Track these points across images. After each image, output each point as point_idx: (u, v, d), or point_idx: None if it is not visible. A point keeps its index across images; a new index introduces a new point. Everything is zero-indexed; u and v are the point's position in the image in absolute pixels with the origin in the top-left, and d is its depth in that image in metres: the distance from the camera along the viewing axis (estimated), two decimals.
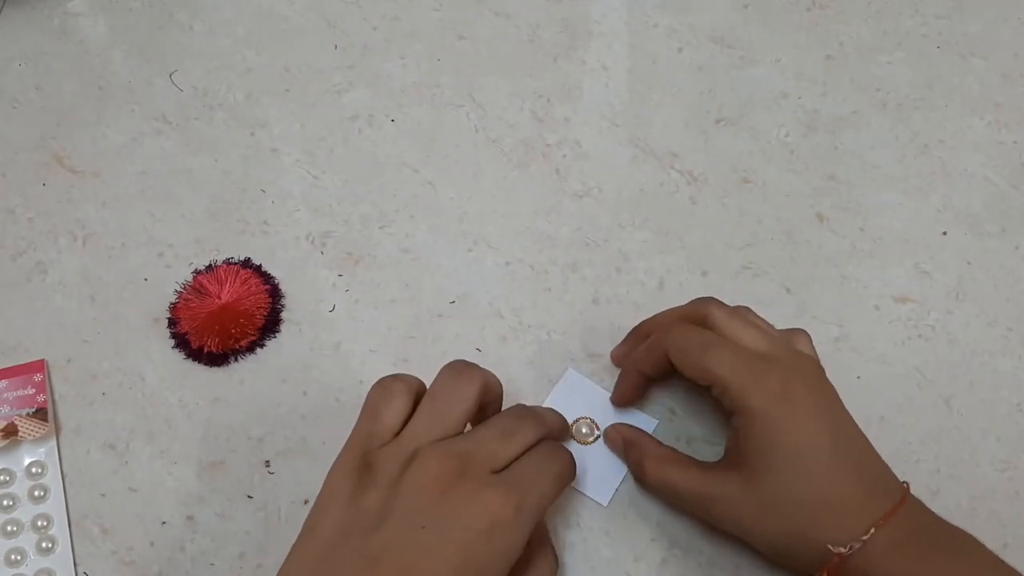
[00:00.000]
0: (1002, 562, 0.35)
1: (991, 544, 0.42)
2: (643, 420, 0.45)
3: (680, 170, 0.53)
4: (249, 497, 0.44)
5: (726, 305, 0.41)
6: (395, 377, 0.38)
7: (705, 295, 0.43)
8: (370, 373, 0.47)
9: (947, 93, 0.55)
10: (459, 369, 0.38)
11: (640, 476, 0.42)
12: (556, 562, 0.38)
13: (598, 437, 0.44)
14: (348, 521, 0.34)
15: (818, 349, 0.47)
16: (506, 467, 0.36)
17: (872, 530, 0.34)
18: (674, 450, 0.42)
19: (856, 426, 0.38)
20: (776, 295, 0.48)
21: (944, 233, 0.50)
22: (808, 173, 0.52)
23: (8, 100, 0.57)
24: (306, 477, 0.45)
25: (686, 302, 0.43)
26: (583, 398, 0.45)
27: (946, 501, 0.43)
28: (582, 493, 0.43)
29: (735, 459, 0.38)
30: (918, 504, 0.37)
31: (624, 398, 0.45)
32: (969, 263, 0.49)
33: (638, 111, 0.55)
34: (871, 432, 0.44)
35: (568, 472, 0.38)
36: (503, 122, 0.55)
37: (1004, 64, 0.55)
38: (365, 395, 0.46)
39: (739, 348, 0.39)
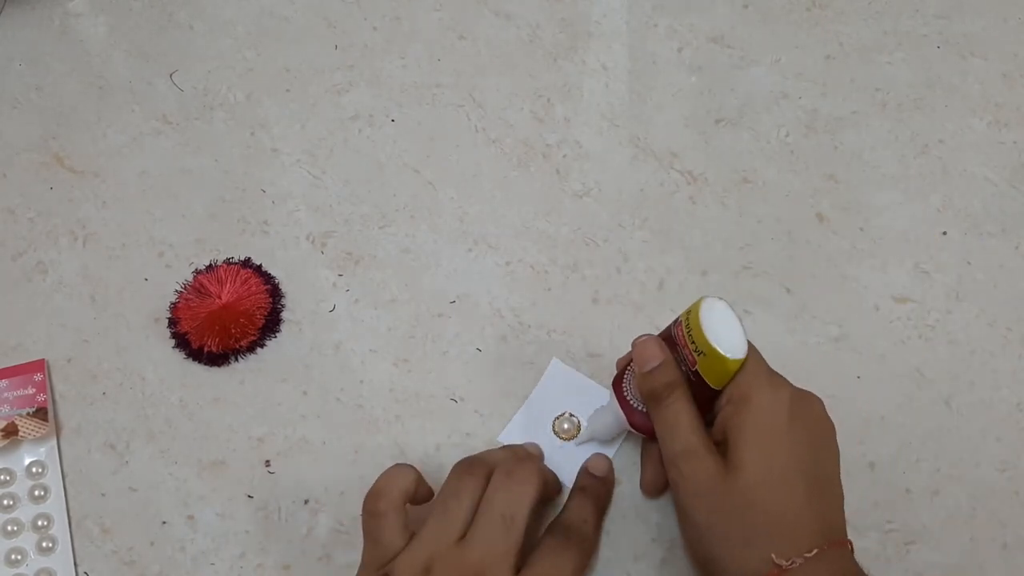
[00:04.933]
0: None
1: (991, 544, 0.42)
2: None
3: (680, 170, 0.53)
4: (249, 497, 0.44)
5: None
6: (377, 496, 0.38)
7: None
8: (370, 373, 0.47)
9: (947, 93, 0.55)
10: (467, 467, 0.39)
11: (659, 401, 0.39)
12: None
13: (578, 433, 0.44)
14: None
15: (818, 349, 0.47)
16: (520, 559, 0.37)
17: (815, 551, 0.35)
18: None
19: (837, 463, 0.38)
20: (776, 295, 0.48)
21: (944, 233, 0.50)
22: (808, 173, 0.52)
23: (8, 100, 0.57)
24: (306, 477, 0.45)
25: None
26: (568, 389, 0.45)
27: (946, 501, 0.43)
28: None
29: (719, 442, 0.39)
30: (854, 561, 0.37)
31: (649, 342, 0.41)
32: (969, 263, 0.49)
33: (638, 111, 0.55)
34: (871, 432, 0.45)
35: (583, 566, 0.39)
36: (503, 122, 0.55)
37: (1004, 64, 0.55)
38: (365, 395, 0.46)
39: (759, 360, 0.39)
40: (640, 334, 0.40)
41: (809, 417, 0.38)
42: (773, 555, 0.35)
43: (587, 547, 0.40)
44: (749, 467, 0.36)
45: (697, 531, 0.37)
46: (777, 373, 0.39)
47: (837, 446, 0.38)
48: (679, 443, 0.38)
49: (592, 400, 0.44)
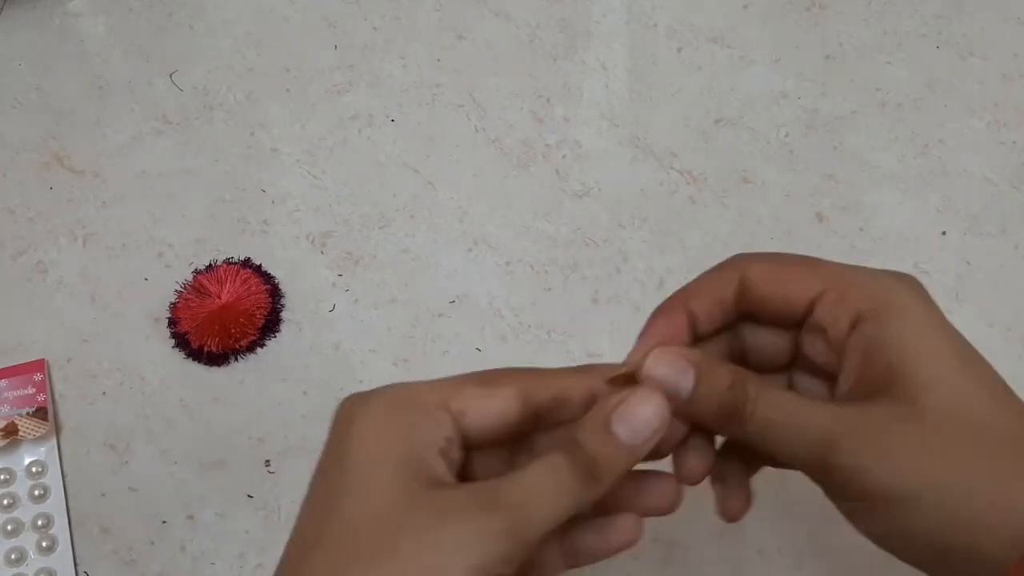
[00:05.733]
0: None
1: None
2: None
3: (680, 170, 0.53)
4: (249, 497, 0.44)
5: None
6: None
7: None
8: (370, 373, 0.47)
9: (947, 93, 0.55)
10: None
11: (735, 419, 0.26)
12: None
13: None
14: None
15: None
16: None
17: None
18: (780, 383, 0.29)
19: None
20: None
21: (944, 233, 0.50)
22: (808, 173, 0.52)
23: (8, 100, 0.57)
24: (306, 477, 0.44)
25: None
26: None
27: None
28: None
29: (866, 389, 0.26)
30: None
31: (658, 341, 0.27)
32: (969, 263, 0.49)
33: (638, 111, 0.55)
34: None
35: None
36: (503, 122, 0.55)
37: (1004, 64, 0.55)
38: None
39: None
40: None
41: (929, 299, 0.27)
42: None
43: None
44: (932, 394, 0.24)
45: (905, 510, 0.24)
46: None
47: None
48: (811, 434, 0.24)
49: None
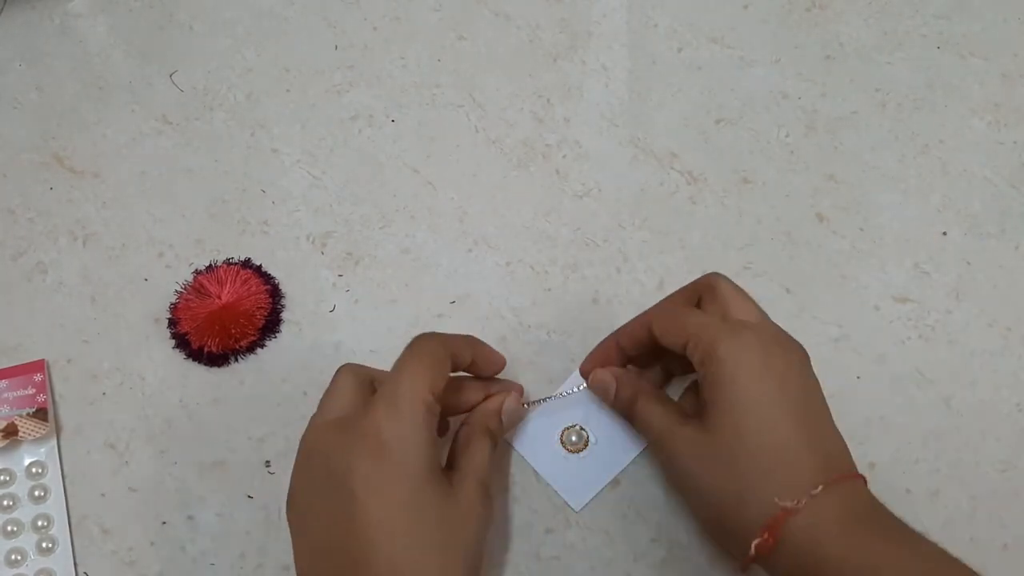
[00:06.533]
0: (948, 555, 0.34)
1: (991, 544, 0.42)
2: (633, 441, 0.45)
3: (680, 170, 0.53)
4: (249, 497, 0.44)
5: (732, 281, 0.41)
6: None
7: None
8: None
9: (947, 93, 0.55)
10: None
11: (629, 413, 0.42)
12: (490, 443, 0.41)
13: (586, 448, 0.44)
14: None
15: (818, 349, 0.47)
16: None
17: (820, 488, 0.33)
18: (665, 395, 0.42)
19: (824, 402, 0.37)
20: (776, 295, 0.48)
21: (944, 233, 0.50)
22: (808, 173, 0.52)
23: (8, 100, 0.57)
24: None
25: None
26: (585, 403, 0.45)
27: (946, 501, 0.43)
28: (557, 494, 0.44)
29: (697, 410, 0.38)
30: (870, 494, 0.36)
31: (592, 363, 0.44)
32: (969, 263, 0.49)
33: (638, 111, 0.55)
34: (871, 432, 0.45)
35: (432, 346, 0.39)
36: (503, 122, 0.55)
37: (1004, 64, 0.55)
38: None
39: (725, 317, 0.38)
40: (590, 354, 0.44)
41: (776, 350, 0.37)
42: (776, 498, 0.33)
43: (438, 337, 0.40)
44: (725, 419, 0.36)
45: (698, 498, 0.37)
46: (744, 322, 0.38)
47: (815, 376, 0.38)
48: (654, 432, 0.39)
49: (608, 420, 0.45)
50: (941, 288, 0.48)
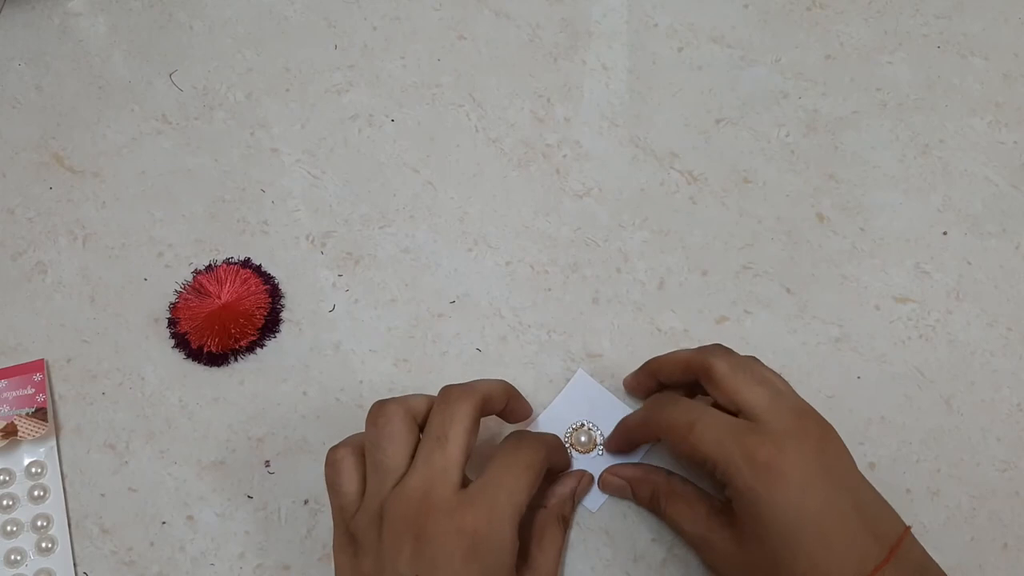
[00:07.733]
0: None
1: (991, 544, 0.42)
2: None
3: (680, 170, 0.53)
4: (249, 497, 0.44)
5: (733, 355, 0.40)
6: (337, 446, 0.38)
7: (713, 342, 0.42)
8: (370, 373, 0.47)
9: (947, 93, 0.55)
10: (376, 411, 0.38)
11: (656, 511, 0.42)
12: (564, 531, 0.41)
13: (597, 447, 0.44)
14: None
15: (818, 349, 0.47)
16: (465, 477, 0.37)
17: (872, 568, 0.33)
18: (684, 479, 0.42)
19: (860, 476, 0.37)
20: (776, 295, 0.48)
21: (944, 233, 0.50)
22: (808, 173, 0.52)
23: (8, 100, 0.57)
24: (306, 477, 0.45)
25: (695, 347, 0.41)
26: (590, 401, 0.45)
27: (946, 501, 0.43)
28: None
29: (732, 516, 0.38)
30: (921, 552, 0.36)
31: (616, 450, 0.44)
32: (969, 263, 0.49)
33: (638, 111, 0.55)
34: (871, 432, 0.45)
35: (536, 457, 0.38)
36: (503, 122, 0.55)
37: (1004, 64, 0.55)
38: (365, 395, 0.46)
39: (726, 421, 0.37)
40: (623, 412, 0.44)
41: (797, 457, 0.36)
42: None
43: (540, 443, 0.39)
44: (765, 548, 0.35)
45: None
46: (750, 425, 0.37)
47: (844, 450, 0.37)
48: (686, 536, 0.41)
49: (613, 417, 0.44)
50: (942, 288, 0.48)
